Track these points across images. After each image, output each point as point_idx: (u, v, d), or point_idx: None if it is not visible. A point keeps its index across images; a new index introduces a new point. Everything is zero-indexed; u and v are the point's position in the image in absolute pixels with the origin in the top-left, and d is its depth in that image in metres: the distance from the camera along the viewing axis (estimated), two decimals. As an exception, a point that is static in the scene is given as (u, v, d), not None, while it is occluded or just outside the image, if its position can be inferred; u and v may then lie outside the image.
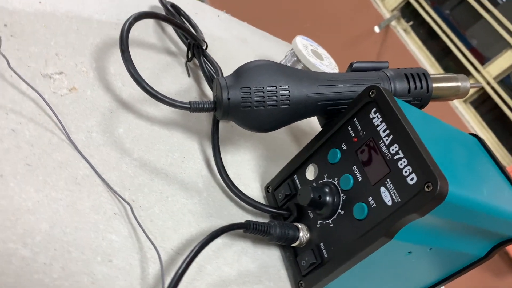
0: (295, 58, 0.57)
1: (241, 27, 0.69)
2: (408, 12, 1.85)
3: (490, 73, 1.56)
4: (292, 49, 0.58)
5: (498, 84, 1.53)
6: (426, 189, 0.31)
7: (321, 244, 0.38)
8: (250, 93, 0.39)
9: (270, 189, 0.45)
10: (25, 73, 0.35)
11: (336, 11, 1.95)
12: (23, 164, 0.31)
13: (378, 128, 0.36)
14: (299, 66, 0.57)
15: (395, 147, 0.34)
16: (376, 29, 1.69)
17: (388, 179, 0.34)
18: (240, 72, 0.40)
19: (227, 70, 0.49)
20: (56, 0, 0.43)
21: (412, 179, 0.33)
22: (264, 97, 0.39)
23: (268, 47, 0.71)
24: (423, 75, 0.44)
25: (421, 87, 0.44)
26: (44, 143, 0.33)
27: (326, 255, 0.37)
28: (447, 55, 1.75)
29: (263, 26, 0.73)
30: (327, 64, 0.58)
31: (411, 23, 1.79)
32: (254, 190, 0.45)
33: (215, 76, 0.47)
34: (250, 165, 0.47)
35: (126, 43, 0.38)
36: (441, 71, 1.71)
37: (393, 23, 1.77)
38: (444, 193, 0.31)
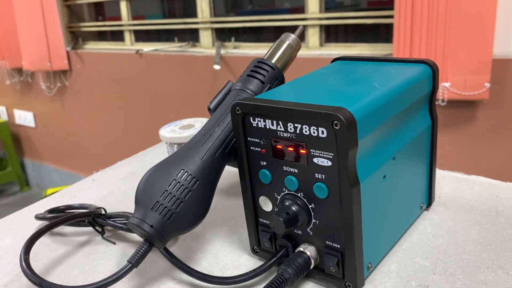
0: (174, 145, 0.58)
1: (118, 168, 0.69)
2: (224, 36, 1.96)
3: (313, 11, 1.68)
4: (166, 142, 0.59)
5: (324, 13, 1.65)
6: (336, 127, 0.32)
7: (327, 242, 0.37)
8: (162, 204, 0.38)
9: (256, 248, 0.43)
10: None
11: (187, 87, 2.01)
12: None
13: (267, 126, 0.37)
14: (175, 149, 0.57)
15: (289, 126, 0.35)
16: (216, 67, 1.77)
17: (311, 150, 0.35)
18: (139, 199, 0.39)
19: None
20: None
21: (323, 132, 0.33)
22: (174, 195, 0.38)
23: (150, 160, 0.71)
24: (258, 63, 0.47)
25: (267, 71, 0.46)
26: None
27: (338, 246, 0.37)
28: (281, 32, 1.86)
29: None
30: (198, 126, 0.59)
31: (232, 39, 1.90)
32: (247, 261, 0.44)
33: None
34: (225, 251, 0.46)
35: (30, 271, 0.36)
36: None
37: (223, 51, 1.87)
38: (350, 116, 0.32)
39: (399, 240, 0.44)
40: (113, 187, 0.63)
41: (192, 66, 1.95)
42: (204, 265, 0.44)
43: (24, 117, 2.85)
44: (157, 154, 0.73)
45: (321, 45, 1.71)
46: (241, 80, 0.46)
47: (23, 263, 0.38)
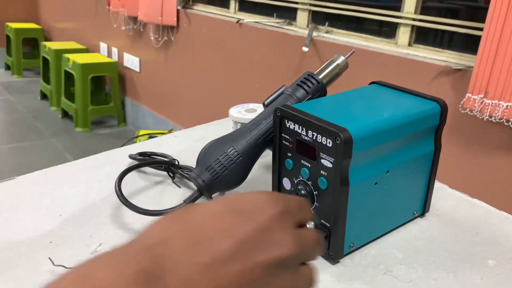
0: (238, 123, 0.73)
1: (195, 131, 0.86)
2: (321, 18, 2.06)
3: (408, 11, 1.71)
4: (232, 120, 0.74)
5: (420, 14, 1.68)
6: (337, 142, 0.45)
7: (322, 221, 0.51)
8: (213, 167, 0.54)
9: (276, 214, 0.58)
10: (77, 257, 0.51)
11: (272, 62, 2.16)
12: None
13: (295, 129, 0.51)
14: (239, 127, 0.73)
15: (309, 132, 0.49)
16: (305, 49, 1.88)
17: (320, 153, 0.48)
18: (199, 160, 0.55)
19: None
20: (66, 204, 0.60)
21: (329, 143, 0.47)
22: (222, 163, 0.54)
23: (220, 130, 0.87)
24: (309, 76, 0.60)
25: (313, 83, 0.59)
26: None
27: (328, 225, 0.50)
28: (379, 25, 1.92)
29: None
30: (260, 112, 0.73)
31: (326, 23, 1.99)
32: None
33: (193, 175, 0.62)
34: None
35: (120, 192, 0.54)
36: (378, 40, 1.86)
37: (315, 33, 1.97)
38: (348, 136, 0.45)
39: (387, 235, 0.56)
40: (188, 145, 0.80)
41: (284, 43, 2.08)
42: (237, 218, 0.60)
43: (132, 61, 3.19)
44: (225, 126, 0.89)
45: (409, 44, 1.75)
46: (292, 87, 0.59)
47: (117, 187, 0.56)
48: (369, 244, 0.54)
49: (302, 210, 0.33)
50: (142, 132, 2.03)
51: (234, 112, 0.74)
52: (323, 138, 0.47)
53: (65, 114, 3.35)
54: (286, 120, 0.52)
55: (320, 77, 0.60)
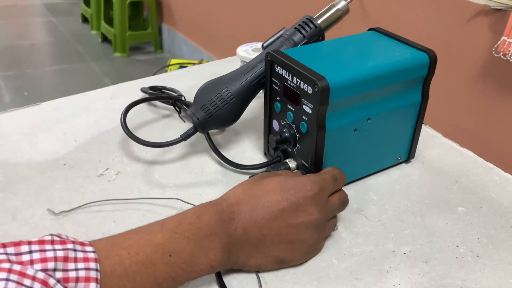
0: (244, 62, 0.76)
1: (207, 67, 0.90)
2: None
3: None
4: (240, 59, 0.77)
5: None
6: (316, 90, 0.48)
7: (302, 161, 0.55)
8: (207, 106, 0.58)
9: (266, 152, 0.63)
10: (86, 179, 0.58)
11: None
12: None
13: (283, 75, 0.53)
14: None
15: (294, 79, 0.51)
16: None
17: (302, 99, 0.51)
18: (196, 99, 0.59)
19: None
20: (81, 131, 0.67)
21: (309, 90, 0.49)
22: (216, 103, 0.58)
23: (232, 68, 0.90)
24: (307, 20, 0.61)
25: (310, 28, 0.60)
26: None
27: (307, 165, 0.54)
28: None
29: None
30: (266, 51, 0.75)
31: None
32: (260, 158, 0.63)
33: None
34: (250, 148, 0.66)
35: (125, 124, 0.60)
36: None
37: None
38: (326, 84, 0.47)
39: (368, 177, 0.60)
40: (198, 81, 0.83)
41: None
42: (232, 153, 0.65)
43: (171, -13, 3.16)
44: (234, 63, 0.91)
45: (450, -20, 1.65)
46: (290, 30, 0.61)
47: (122, 119, 0.61)
48: (348, 185, 0.58)
49: (335, 184, 0.48)
50: (173, 61, 2.07)
51: (241, 51, 0.76)
52: (305, 85, 0.50)
53: (105, 39, 3.42)
54: (275, 65, 0.54)
55: (319, 21, 0.61)
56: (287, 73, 0.52)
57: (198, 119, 0.58)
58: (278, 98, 0.56)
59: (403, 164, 0.63)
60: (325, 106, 0.49)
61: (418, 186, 0.59)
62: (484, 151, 0.67)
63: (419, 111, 0.58)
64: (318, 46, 0.57)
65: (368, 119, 0.54)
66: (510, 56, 1.37)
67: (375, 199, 0.56)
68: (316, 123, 0.50)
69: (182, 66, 2.02)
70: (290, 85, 0.53)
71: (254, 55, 0.75)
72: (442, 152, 0.66)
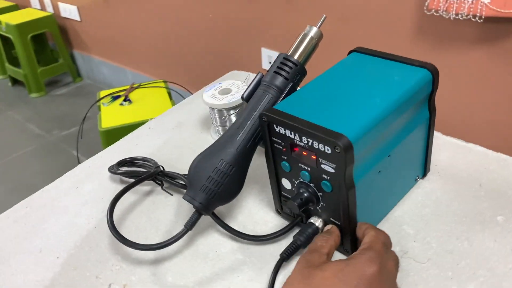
0: (215, 109, 0.68)
1: (167, 117, 0.81)
2: None
3: None
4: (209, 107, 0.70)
5: None
6: (337, 151, 0.42)
7: (331, 218, 0.49)
8: (207, 186, 0.50)
9: (279, 210, 0.56)
10: (95, 310, 0.49)
11: None
12: None
13: (287, 134, 0.47)
14: (216, 113, 0.68)
15: (304, 138, 0.45)
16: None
17: (320, 159, 0.45)
18: (191, 180, 0.52)
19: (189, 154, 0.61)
20: (59, 242, 0.57)
21: (328, 150, 0.43)
22: (216, 179, 0.50)
23: (194, 112, 0.82)
24: (283, 59, 0.54)
25: (291, 67, 0.54)
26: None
27: (339, 222, 0.49)
28: None
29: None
30: (235, 92, 0.68)
31: None
32: (273, 218, 0.57)
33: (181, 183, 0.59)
34: (256, 208, 0.59)
35: (115, 230, 0.51)
36: None
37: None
38: (347, 142, 0.41)
39: (394, 208, 0.56)
40: (166, 136, 0.76)
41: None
42: (240, 220, 0.58)
43: (69, 10, 2.93)
44: (198, 108, 0.83)
45: None
46: (269, 75, 0.54)
47: (110, 224, 0.52)
48: (378, 225, 0.54)
49: (387, 251, 0.44)
50: (103, 93, 1.92)
51: (208, 98, 0.68)
52: (320, 145, 0.44)
53: (15, 81, 3.15)
54: (274, 125, 0.48)
55: (295, 57, 0.55)
56: (292, 133, 0.46)
57: (200, 203, 0.51)
58: (285, 157, 0.50)
59: (421, 181, 0.59)
60: (351, 165, 0.43)
61: (446, 203, 0.55)
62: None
63: (429, 126, 0.54)
64: (310, 91, 0.51)
65: (389, 155, 0.49)
66: (442, 11, 1.38)
67: (412, 233, 0.52)
68: (344, 184, 0.44)
69: (114, 97, 1.88)
70: (299, 145, 0.46)
71: (223, 99, 0.67)
72: (450, 154, 0.63)
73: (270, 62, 1.94)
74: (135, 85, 1.97)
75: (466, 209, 0.54)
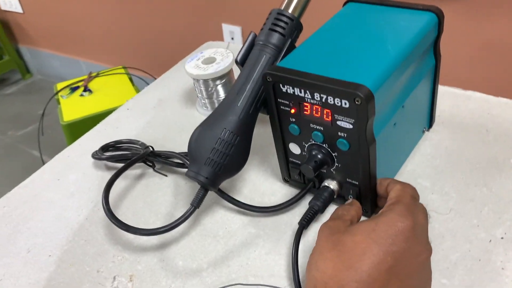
0: (200, 81, 0.64)
1: (147, 95, 0.76)
2: None
3: None
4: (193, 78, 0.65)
5: None
6: (358, 102, 0.39)
7: (347, 179, 0.46)
8: (212, 159, 0.46)
9: (287, 178, 0.53)
10: (103, 306, 0.45)
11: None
12: None
13: (296, 93, 0.43)
14: (202, 85, 0.64)
15: (316, 95, 0.42)
16: None
17: (335, 115, 0.42)
18: (192, 154, 0.47)
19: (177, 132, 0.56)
20: (50, 238, 0.52)
21: (346, 104, 0.40)
22: (221, 151, 0.46)
23: (175, 86, 0.77)
24: (278, 14, 0.50)
25: (286, 23, 0.50)
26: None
27: (357, 182, 0.46)
28: None
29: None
30: (220, 60, 0.64)
31: None
32: (280, 188, 0.54)
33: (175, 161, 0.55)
34: (260, 179, 0.56)
35: (112, 216, 0.47)
36: None
37: None
38: (368, 93, 0.38)
39: (405, 163, 0.53)
40: (148, 116, 0.70)
41: None
42: (245, 193, 0.54)
43: (10, 3, 2.75)
44: (179, 81, 0.78)
45: None
46: (264, 34, 0.50)
47: (107, 212, 0.48)
48: (393, 181, 0.51)
49: (416, 203, 0.40)
50: (60, 85, 1.81)
51: (192, 69, 0.63)
52: (336, 99, 0.40)
53: (-42, 84, 2.94)
54: (280, 85, 0.44)
55: (290, 11, 0.51)
56: (303, 90, 0.42)
57: (206, 177, 0.46)
58: (293, 120, 0.46)
59: (427, 133, 0.57)
60: (372, 117, 0.40)
61: (458, 152, 0.54)
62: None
63: (435, 74, 0.52)
64: (313, 46, 0.47)
65: (403, 106, 0.46)
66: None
67: (429, 186, 0.50)
68: (366, 139, 0.41)
69: (73, 88, 1.78)
70: (310, 102, 0.43)
71: (209, 68, 0.63)
72: (452, 103, 0.61)
73: (232, 38, 1.88)
74: (93, 74, 1.87)
75: (478, 156, 0.52)
